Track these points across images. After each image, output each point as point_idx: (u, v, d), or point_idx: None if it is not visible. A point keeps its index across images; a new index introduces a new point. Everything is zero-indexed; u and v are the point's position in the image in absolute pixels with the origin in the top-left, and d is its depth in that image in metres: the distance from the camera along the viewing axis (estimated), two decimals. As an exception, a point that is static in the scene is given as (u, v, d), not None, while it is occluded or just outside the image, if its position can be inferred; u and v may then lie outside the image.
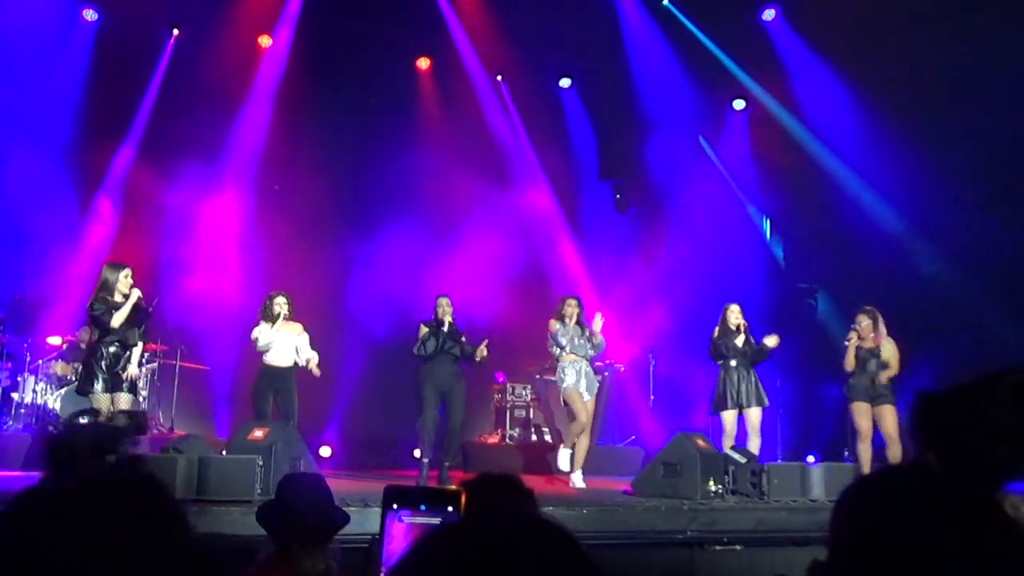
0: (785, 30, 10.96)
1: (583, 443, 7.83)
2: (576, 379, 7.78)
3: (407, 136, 11.59)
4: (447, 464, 7.77)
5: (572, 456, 7.72)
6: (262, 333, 7.63)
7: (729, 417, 7.83)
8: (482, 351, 7.92)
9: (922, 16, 9.38)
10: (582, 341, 7.89)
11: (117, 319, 6.70)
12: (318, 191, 11.39)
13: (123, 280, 6.78)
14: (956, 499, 1.16)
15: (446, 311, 7.92)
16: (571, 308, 7.97)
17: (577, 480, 7.68)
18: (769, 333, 8.04)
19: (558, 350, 7.91)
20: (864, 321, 7.69)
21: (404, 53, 11.59)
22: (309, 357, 7.69)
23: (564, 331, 7.87)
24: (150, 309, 6.97)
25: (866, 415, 7.55)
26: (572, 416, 7.98)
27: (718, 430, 8.27)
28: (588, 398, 7.82)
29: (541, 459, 9.55)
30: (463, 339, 8.01)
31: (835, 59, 10.42)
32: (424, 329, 7.90)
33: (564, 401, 8.01)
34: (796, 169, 11.54)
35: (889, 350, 7.64)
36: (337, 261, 11.23)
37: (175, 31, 10.85)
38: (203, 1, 10.27)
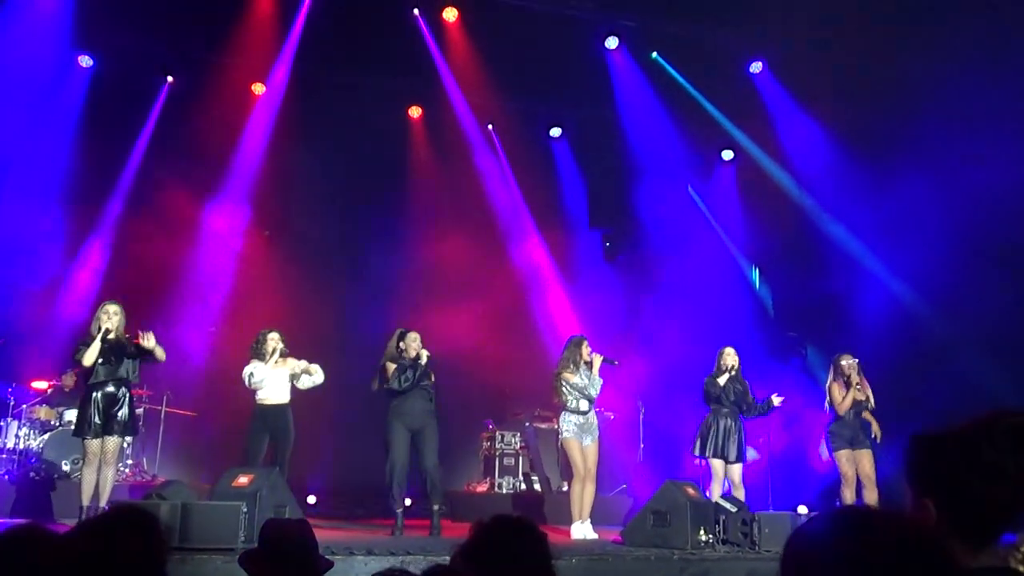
0: (771, 83, 11.14)
1: (588, 490, 7.46)
2: (579, 426, 7.43)
3: (399, 183, 11.67)
4: (437, 510, 7.44)
5: (580, 509, 7.41)
6: (256, 369, 7.50)
7: (719, 465, 7.83)
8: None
9: (906, 71, 9.57)
10: (590, 385, 7.54)
11: (87, 357, 6.66)
12: (309, 237, 11.42)
13: (101, 317, 6.75)
14: (897, 548, 1.14)
15: (421, 347, 7.56)
16: (587, 351, 7.61)
17: (586, 530, 7.32)
18: (768, 390, 8.09)
19: (584, 403, 7.49)
20: (849, 359, 7.74)
21: (396, 101, 11.71)
22: (304, 367, 7.62)
23: (591, 380, 7.49)
24: (124, 340, 6.79)
25: (850, 461, 7.67)
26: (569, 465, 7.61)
27: (708, 478, 8.21)
28: (589, 443, 7.48)
29: (531, 508, 9.44)
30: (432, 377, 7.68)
31: (821, 111, 10.59)
32: (392, 366, 7.51)
33: (561, 448, 7.66)
34: (784, 218, 11.65)
35: (871, 397, 7.76)
36: (326, 307, 11.20)
37: (169, 78, 10.94)
38: (197, 48, 10.37)
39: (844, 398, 7.68)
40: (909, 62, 9.43)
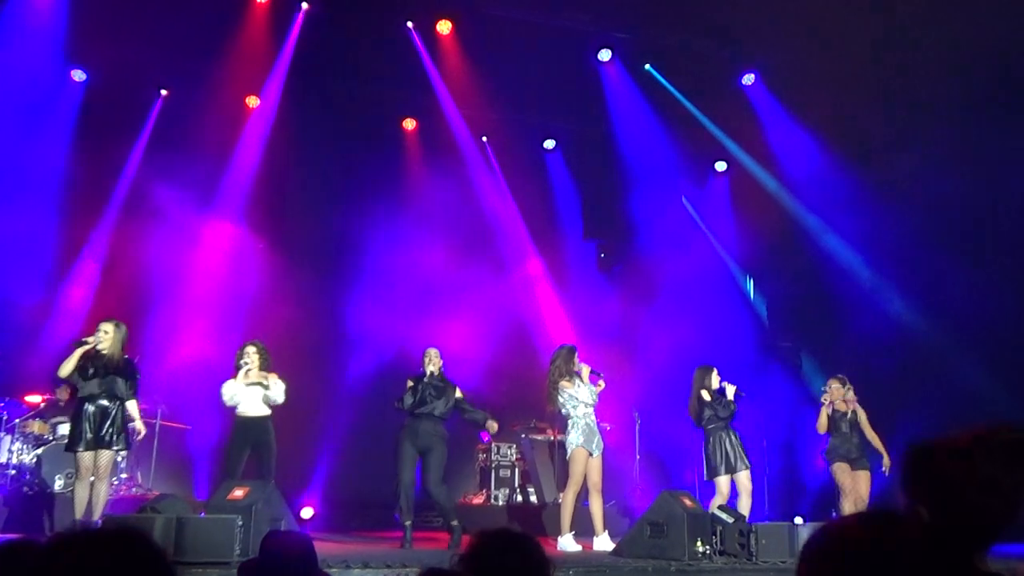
0: (764, 94, 11.20)
1: (596, 504, 7.47)
2: (588, 435, 7.42)
3: (393, 196, 11.67)
4: (455, 525, 7.43)
5: (577, 520, 7.45)
6: (226, 387, 7.43)
7: (725, 482, 7.82)
8: (492, 425, 7.81)
9: (899, 81, 9.64)
10: (588, 392, 7.58)
11: (63, 368, 6.72)
12: (304, 249, 11.41)
13: (96, 332, 6.82)
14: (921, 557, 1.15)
15: (431, 361, 7.67)
16: (577, 360, 7.65)
17: (603, 543, 7.31)
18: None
19: (584, 408, 7.52)
20: (834, 384, 8.00)
21: (390, 114, 11.73)
22: (267, 383, 7.37)
23: (588, 387, 7.56)
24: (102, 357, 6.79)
25: (847, 473, 7.82)
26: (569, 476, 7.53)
27: (705, 489, 8.21)
28: (596, 454, 7.48)
29: (526, 519, 9.42)
30: (458, 393, 7.75)
31: (814, 122, 10.66)
32: (409, 383, 7.69)
33: (565, 458, 7.59)
34: (778, 228, 11.70)
35: (861, 413, 7.94)
36: (322, 318, 11.19)
37: (163, 92, 10.95)
38: (191, 62, 10.38)
39: (820, 416, 7.98)
40: (902, 73, 9.50)
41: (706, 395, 7.98)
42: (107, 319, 6.98)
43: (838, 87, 10.02)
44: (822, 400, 8.02)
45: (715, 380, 8.07)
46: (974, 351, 9.20)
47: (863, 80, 9.93)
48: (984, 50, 8.73)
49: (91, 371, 6.74)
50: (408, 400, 7.54)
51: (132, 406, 6.96)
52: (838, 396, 7.95)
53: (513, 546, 2.31)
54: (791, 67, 10.51)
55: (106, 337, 6.82)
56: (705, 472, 7.99)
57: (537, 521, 9.41)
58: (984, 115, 9.11)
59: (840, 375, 8.12)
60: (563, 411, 7.62)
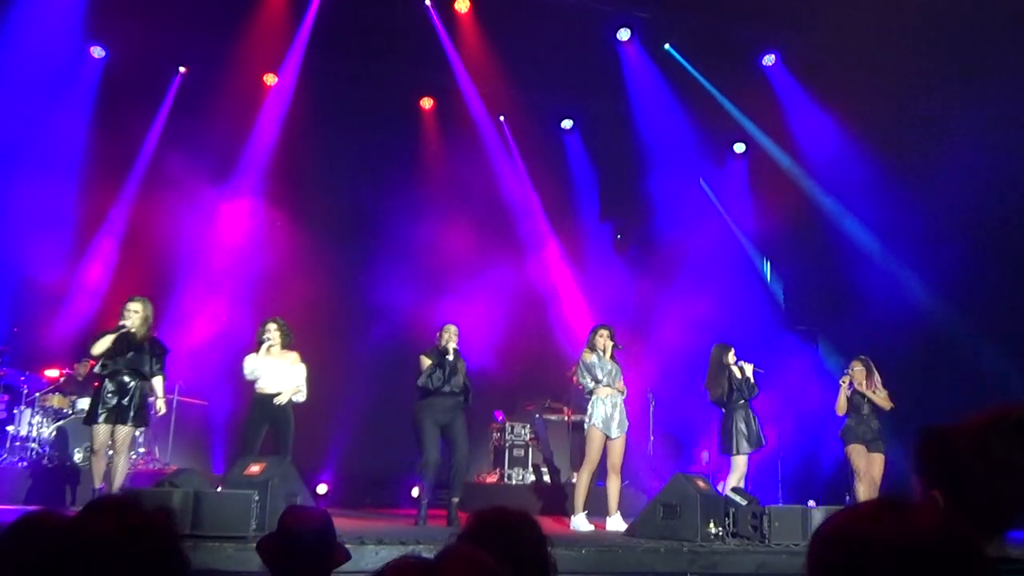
0: (784, 75, 11.09)
1: (614, 484, 7.56)
2: (606, 416, 7.47)
3: (410, 175, 11.67)
4: (455, 502, 7.51)
5: (591, 500, 7.50)
6: (248, 361, 7.51)
7: (743, 459, 7.90)
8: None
9: (921, 62, 9.51)
10: (615, 374, 7.64)
11: (97, 347, 6.77)
12: (321, 227, 11.44)
13: (123, 313, 6.84)
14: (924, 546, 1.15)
15: (451, 339, 7.68)
16: (603, 339, 7.67)
17: (616, 523, 7.39)
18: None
19: (592, 383, 7.58)
20: (857, 367, 7.91)
21: (408, 92, 11.71)
22: (296, 388, 7.52)
23: (600, 363, 7.60)
24: (133, 339, 6.86)
25: (863, 455, 7.80)
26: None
27: (717, 470, 8.24)
28: (617, 436, 7.52)
29: (540, 499, 9.47)
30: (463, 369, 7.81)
31: (834, 104, 10.55)
32: (426, 361, 7.65)
33: (582, 436, 7.66)
34: (796, 211, 11.62)
35: (882, 396, 7.88)
36: (338, 295, 11.23)
37: (181, 69, 10.97)
38: (209, 39, 10.38)
39: (839, 396, 7.95)
40: (925, 54, 9.38)
41: (737, 372, 8.02)
42: (134, 297, 7.02)
43: (859, 69, 9.90)
44: (841, 381, 7.99)
45: (731, 359, 8.11)
46: (992, 336, 9.13)
47: (885, 62, 9.80)
48: (1015, 31, 8.61)
49: (114, 347, 6.80)
50: (438, 379, 7.54)
51: (158, 383, 7.03)
52: (860, 378, 7.91)
53: (508, 524, 2.33)
54: (812, 48, 10.39)
55: (135, 315, 6.88)
56: (727, 446, 8.00)
57: (550, 500, 9.46)
58: (1015, 97, 8.98)
59: (863, 356, 8.05)
60: (581, 384, 7.68)
